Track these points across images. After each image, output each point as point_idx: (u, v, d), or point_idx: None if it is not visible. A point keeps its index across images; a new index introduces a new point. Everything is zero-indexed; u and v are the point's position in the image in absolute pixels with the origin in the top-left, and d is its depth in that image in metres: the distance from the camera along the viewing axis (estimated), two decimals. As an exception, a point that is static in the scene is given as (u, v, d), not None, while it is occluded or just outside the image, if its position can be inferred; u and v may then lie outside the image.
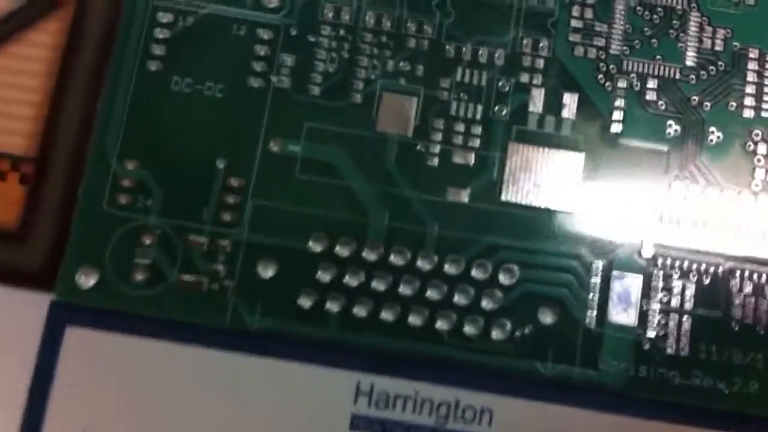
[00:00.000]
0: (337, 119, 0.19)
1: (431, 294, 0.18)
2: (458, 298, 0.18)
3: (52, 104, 0.19)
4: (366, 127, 0.19)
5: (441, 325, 0.18)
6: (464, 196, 0.18)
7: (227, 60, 0.19)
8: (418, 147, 0.18)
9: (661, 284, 0.18)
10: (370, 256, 0.18)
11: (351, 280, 0.18)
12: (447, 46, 0.19)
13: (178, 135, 0.18)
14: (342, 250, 0.18)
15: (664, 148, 0.19)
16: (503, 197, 0.18)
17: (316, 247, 0.18)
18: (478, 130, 0.19)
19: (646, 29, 0.19)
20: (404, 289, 0.18)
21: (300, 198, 0.18)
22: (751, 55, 0.19)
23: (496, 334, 0.18)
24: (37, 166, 0.19)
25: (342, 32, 0.19)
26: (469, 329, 0.18)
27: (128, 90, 0.19)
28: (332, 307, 0.18)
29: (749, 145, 0.19)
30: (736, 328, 0.18)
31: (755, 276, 0.18)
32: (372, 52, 0.19)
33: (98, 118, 0.19)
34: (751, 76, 0.19)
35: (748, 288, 0.18)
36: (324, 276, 0.18)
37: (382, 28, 0.19)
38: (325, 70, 0.19)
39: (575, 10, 0.19)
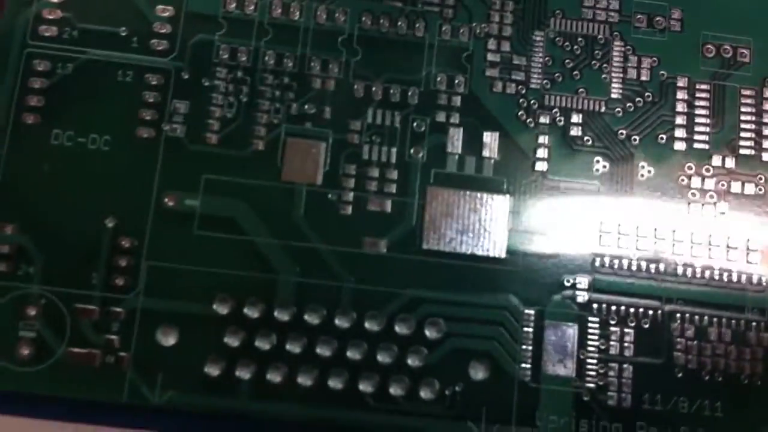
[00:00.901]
0: (238, 169, 0.24)
1: (351, 354, 0.23)
2: (381, 357, 0.23)
3: None
4: (270, 176, 0.24)
5: (364, 387, 0.23)
6: (382, 247, 0.24)
7: (113, 109, 0.25)
8: (330, 196, 0.24)
9: (598, 332, 0.24)
10: (282, 316, 0.24)
11: (262, 344, 0.23)
12: (356, 86, 0.25)
13: (60, 193, 0.24)
14: (250, 312, 0.24)
15: (594, 185, 0.25)
16: (424, 245, 0.24)
17: (221, 309, 0.23)
18: (393, 174, 0.25)
19: (567, 61, 0.26)
20: (322, 351, 0.23)
21: (200, 257, 0.24)
22: (680, 84, 0.26)
23: (424, 393, 0.23)
24: None
25: (240, 74, 0.25)
26: (394, 390, 0.23)
27: (2, 146, 0.24)
28: (243, 374, 0.23)
29: (682, 179, 0.25)
30: (680, 375, 0.24)
31: (696, 319, 0.24)
32: (274, 95, 0.25)
33: (-33, 176, 0.24)
34: (680, 106, 0.26)
35: (690, 332, 0.24)
36: (232, 341, 0.23)
37: (284, 68, 0.25)
38: (222, 115, 0.25)
39: (491, 44, 0.26)
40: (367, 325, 0.24)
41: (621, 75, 0.26)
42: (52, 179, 0.24)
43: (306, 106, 0.25)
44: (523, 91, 0.25)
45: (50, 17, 0.25)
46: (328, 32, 0.25)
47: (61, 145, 0.24)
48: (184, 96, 0.25)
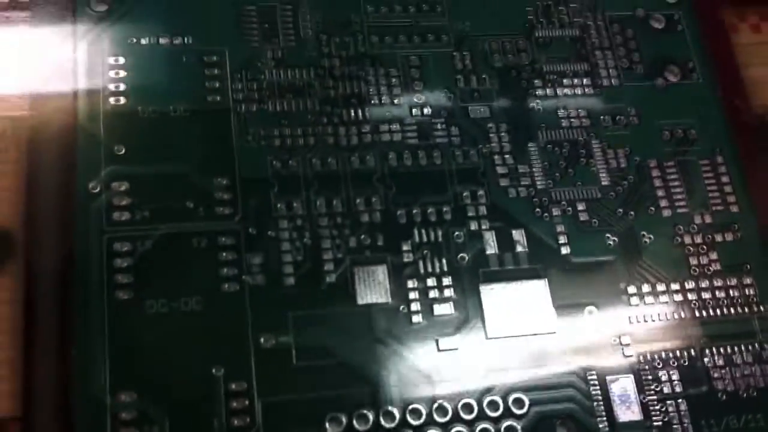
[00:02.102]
0: (318, 302, 0.26)
1: (459, 440, 0.25)
2: (484, 438, 0.25)
3: (26, 358, 0.24)
4: (347, 303, 0.26)
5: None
6: (456, 343, 0.26)
7: (196, 272, 0.26)
8: (401, 309, 0.26)
9: (650, 377, 0.27)
10: (388, 423, 0.25)
11: (381, 449, 0.25)
12: (398, 212, 0.28)
13: (167, 356, 0.25)
14: (360, 425, 0.25)
15: (611, 257, 0.28)
16: (489, 335, 0.27)
17: (335, 429, 0.25)
18: (448, 280, 0.27)
19: (560, 162, 0.29)
20: (434, 444, 0.25)
21: (304, 385, 0.25)
22: (652, 165, 0.30)
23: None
24: (23, 424, 0.24)
25: (299, 222, 0.27)
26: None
27: (103, 324, 0.25)
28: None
29: (677, 239, 0.29)
30: (723, 398, 0.27)
31: (722, 350, 0.27)
32: (332, 234, 0.27)
33: (78, 362, 0.25)
34: (657, 182, 0.29)
35: (720, 361, 0.27)
36: (352, 453, 0.25)
37: (334, 210, 0.27)
38: (293, 260, 0.27)
39: (497, 159, 0.29)
40: (462, 414, 0.25)
41: (605, 166, 0.30)
42: (156, 344, 0.25)
43: (362, 237, 0.27)
44: (533, 192, 0.29)
45: (121, 204, 0.26)
46: (363, 174, 0.28)
47: (157, 313, 0.25)
48: (256, 249, 0.27)
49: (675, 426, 0.26)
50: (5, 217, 0.26)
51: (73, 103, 0.27)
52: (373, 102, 0.29)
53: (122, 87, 0.28)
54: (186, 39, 0.29)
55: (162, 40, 0.29)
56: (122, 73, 0.28)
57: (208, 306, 0.26)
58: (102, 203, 0.26)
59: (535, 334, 0.27)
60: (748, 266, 0.29)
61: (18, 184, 0.27)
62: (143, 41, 0.29)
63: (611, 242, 0.29)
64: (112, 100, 0.28)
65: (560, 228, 0.28)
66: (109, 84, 0.28)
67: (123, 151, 0.27)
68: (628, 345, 0.27)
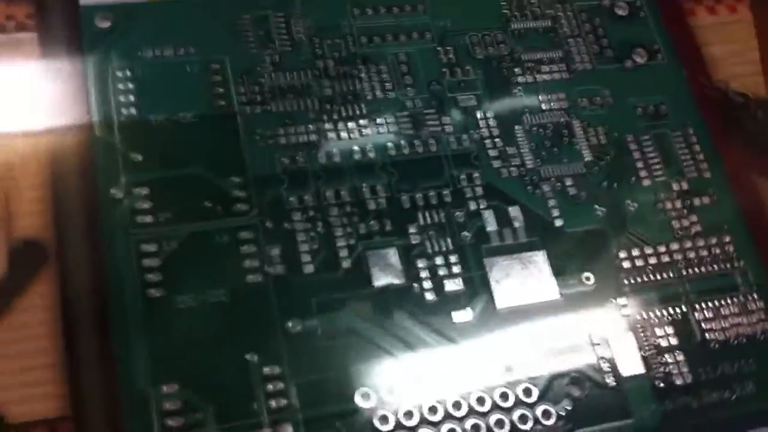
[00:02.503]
0: (337, 286, 0.27)
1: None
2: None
3: (69, 360, 0.25)
4: (364, 285, 0.28)
5: None
6: (468, 316, 0.28)
7: (221, 268, 0.27)
8: (414, 288, 0.28)
9: (648, 333, 0.28)
10: (414, 392, 0.26)
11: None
12: (402, 198, 0.29)
13: (202, 346, 0.26)
14: (389, 397, 0.26)
15: (600, 227, 0.30)
16: (498, 306, 0.28)
17: (365, 402, 0.26)
18: (455, 258, 0.28)
19: (546, 143, 0.31)
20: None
21: (333, 364, 0.26)
22: (629, 139, 0.32)
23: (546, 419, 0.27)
24: (74, 423, 0.25)
25: (311, 213, 0.28)
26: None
27: (139, 321, 0.26)
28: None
29: (658, 206, 0.31)
30: (716, 347, 0.29)
31: (709, 303, 0.29)
32: (342, 222, 0.28)
33: (119, 359, 0.25)
34: (636, 155, 0.31)
35: (710, 314, 0.29)
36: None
37: (343, 200, 0.29)
38: (310, 248, 0.28)
39: (488, 144, 0.30)
40: (482, 381, 0.27)
41: (587, 143, 0.31)
42: (191, 336, 0.26)
43: (372, 223, 0.29)
44: (524, 172, 0.30)
45: (144, 207, 0.27)
46: (366, 165, 0.29)
47: (188, 308, 0.26)
48: (275, 242, 0.28)
49: (675, 375, 0.28)
50: (36, 228, 0.27)
51: (87, 116, 0.28)
52: (368, 97, 0.31)
53: (132, 98, 0.29)
54: (188, 49, 0.30)
55: (166, 52, 0.30)
56: (131, 85, 0.29)
57: (235, 297, 0.27)
58: (126, 208, 0.27)
59: (539, 302, 0.28)
60: (725, 226, 0.31)
61: (44, 196, 0.27)
62: (148, 54, 0.30)
63: (600, 212, 0.30)
64: (124, 111, 0.29)
65: (552, 203, 0.30)
66: (120, 96, 0.29)
67: (140, 158, 0.28)
68: (624, 306, 0.29)
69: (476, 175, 0.30)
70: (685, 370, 0.28)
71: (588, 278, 0.29)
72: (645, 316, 0.29)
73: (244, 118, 0.29)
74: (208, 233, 0.28)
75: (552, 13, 0.33)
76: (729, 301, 0.30)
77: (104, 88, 0.29)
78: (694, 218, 0.31)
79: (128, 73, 0.29)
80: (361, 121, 0.30)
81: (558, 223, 0.30)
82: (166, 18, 0.31)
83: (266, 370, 0.26)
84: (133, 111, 0.29)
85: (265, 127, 0.29)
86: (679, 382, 0.28)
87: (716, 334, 0.29)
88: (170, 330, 0.26)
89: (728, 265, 0.30)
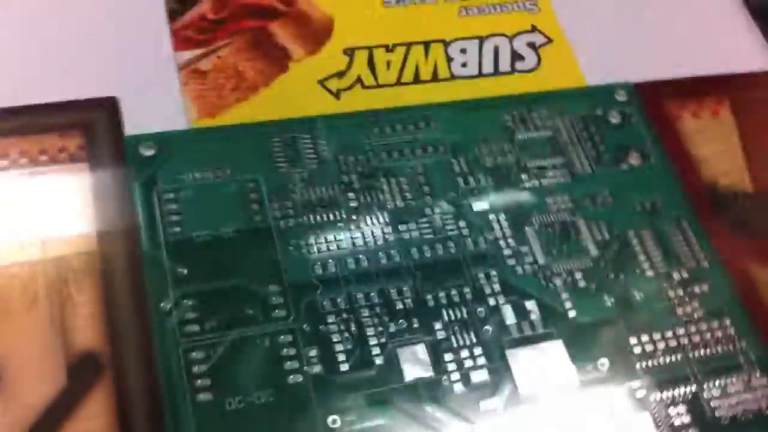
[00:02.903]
0: (373, 383, 0.29)
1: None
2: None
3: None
4: (397, 380, 0.29)
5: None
6: (494, 405, 0.29)
7: (263, 369, 0.29)
8: (444, 381, 0.30)
9: (663, 413, 0.30)
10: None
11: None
12: (427, 297, 0.31)
13: (251, 445, 0.28)
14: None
15: (611, 315, 0.32)
16: (521, 394, 0.30)
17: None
18: (479, 350, 0.30)
19: (555, 240, 0.33)
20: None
21: (373, 455, 0.28)
22: (630, 235, 0.34)
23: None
24: None
25: (345, 315, 0.30)
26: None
27: (190, 425, 0.28)
28: None
29: (662, 294, 0.33)
30: (726, 423, 0.30)
31: (716, 383, 0.31)
32: (374, 322, 0.30)
33: (173, 457, 0.27)
34: (638, 249, 0.34)
35: (717, 393, 0.31)
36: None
37: (373, 302, 0.31)
38: (344, 349, 0.30)
39: (501, 244, 0.33)
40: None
41: (592, 239, 0.34)
42: (240, 434, 0.28)
43: (400, 321, 0.31)
44: (537, 268, 0.33)
45: (191, 317, 0.29)
46: (392, 268, 0.32)
47: (236, 409, 0.28)
48: (312, 343, 0.30)
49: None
50: (92, 340, 0.29)
51: (136, 235, 0.31)
52: (389, 207, 0.33)
53: (177, 218, 0.31)
54: (225, 171, 0.33)
55: (206, 174, 0.32)
56: (175, 206, 0.31)
57: (279, 397, 0.29)
58: (174, 319, 0.29)
59: (559, 387, 0.30)
60: (725, 309, 0.33)
61: (97, 310, 0.29)
62: (190, 177, 0.32)
63: (609, 303, 0.32)
64: (170, 229, 0.31)
65: (564, 295, 0.32)
66: (166, 216, 0.31)
67: (186, 272, 0.30)
68: (639, 388, 0.31)
69: (493, 273, 0.32)
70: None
71: (603, 364, 0.31)
72: (658, 397, 0.31)
73: (279, 231, 0.32)
74: (250, 338, 0.29)
75: (551, 123, 0.36)
76: (734, 379, 0.31)
77: (151, 209, 0.31)
78: (695, 304, 0.33)
79: (172, 196, 0.32)
80: (386, 229, 0.32)
81: (571, 314, 0.32)
82: (204, 144, 0.33)
83: (314, 464, 0.28)
84: (177, 229, 0.31)
85: (298, 238, 0.32)
86: (692, 462, 0.30)
87: (725, 411, 0.31)
88: (221, 430, 0.28)
89: (731, 346, 0.32)
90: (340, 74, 0.37)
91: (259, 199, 0.32)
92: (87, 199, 0.32)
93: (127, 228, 0.31)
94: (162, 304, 0.30)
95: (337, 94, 0.36)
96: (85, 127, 0.33)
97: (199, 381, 0.28)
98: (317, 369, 0.29)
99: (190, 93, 0.35)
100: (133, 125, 0.34)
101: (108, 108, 0.34)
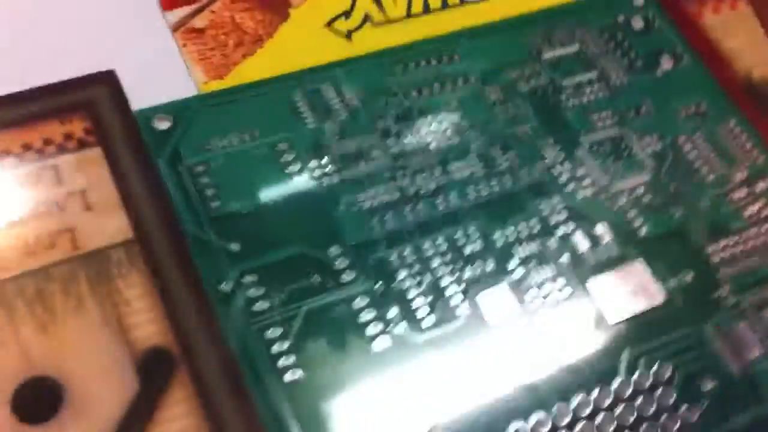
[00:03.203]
0: (458, 334, 0.27)
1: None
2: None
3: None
4: (482, 328, 0.27)
5: None
6: (583, 333, 0.28)
7: (346, 338, 0.26)
8: (530, 319, 0.28)
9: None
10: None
11: None
12: (495, 236, 0.29)
13: (353, 415, 0.25)
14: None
15: (681, 227, 0.30)
16: (610, 322, 0.28)
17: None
18: (562, 281, 0.28)
19: (608, 159, 0.31)
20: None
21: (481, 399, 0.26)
22: (681, 141, 0.32)
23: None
24: None
25: (416, 267, 0.28)
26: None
27: (283, 409, 0.25)
28: None
29: (727, 198, 0.31)
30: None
31: None
32: (448, 270, 0.28)
33: (272, 447, 0.25)
34: (693, 155, 0.32)
35: None
36: None
37: (441, 250, 0.28)
38: (425, 303, 0.27)
39: (556, 170, 0.31)
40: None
41: (644, 152, 0.32)
42: (338, 411, 0.25)
43: (474, 265, 0.28)
44: (597, 189, 0.31)
45: (257, 294, 0.27)
46: (452, 212, 0.29)
47: (326, 384, 0.26)
48: (389, 304, 0.27)
49: (787, 349, 0.29)
50: (156, 335, 0.26)
51: (174, 217, 0.28)
52: (432, 147, 0.31)
53: (213, 191, 0.28)
54: (253, 133, 0.30)
55: (233, 140, 0.29)
56: (209, 179, 0.28)
57: (369, 365, 0.26)
58: (239, 300, 0.26)
59: (649, 309, 0.29)
60: (791, 204, 0.32)
61: (152, 303, 0.26)
62: (216, 144, 0.29)
63: (678, 214, 0.31)
64: (209, 205, 0.28)
65: (632, 213, 0.30)
66: (201, 192, 0.28)
67: (238, 248, 0.27)
68: (726, 296, 0.29)
69: (556, 201, 0.30)
70: (796, 340, 0.29)
71: (687, 275, 0.29)
72: (747, 302, 0.29)
73: (325, 190, 0.29)
74: (326, 306, 0.27)
75: (577, 37, 0.34)
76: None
77: (183, 187, 0.28)
78: (761, 203, 0.32)
79: (202, 168, 0.29)
80: (435, 172, 0.30)
81: (642, 231, 0.30)
82: (221, 108, 0.30)
83: None
84: (217, 203, 0.28)
85: (347, 194, 0.29)
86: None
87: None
88: (316, 409, 0.25)
89: (804, 239, 0.31)
90: (347, 14, 0.34)
91: (295, 159, 0.29)
92: (109, 185, 0.28)
93: (162, 210, 0.28)
94: (221, 286, 0.27)
95: (348, 36, 0.33)
96: (86, 108, 0.30)
97: (282, 360, 0.26)
98: (402, 327, 0.27)
99: (191, 55, 0.32)
100: (137, 99, 0.30)
101: (107, 83, 0.30)
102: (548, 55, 0.34)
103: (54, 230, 0.27)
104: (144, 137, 0.29)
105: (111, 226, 0.28)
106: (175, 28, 0.32)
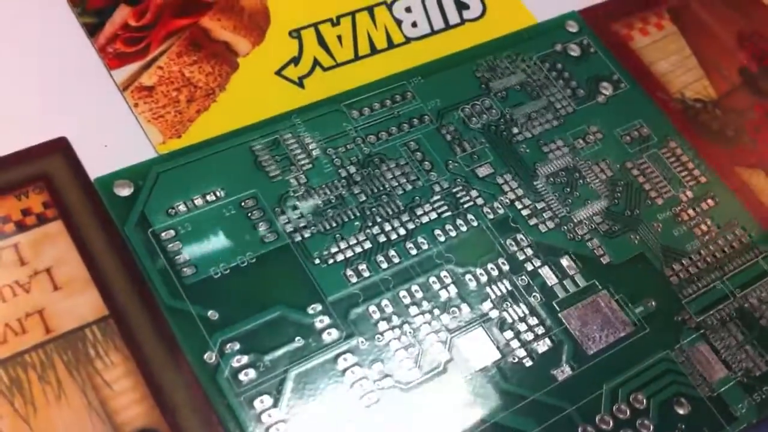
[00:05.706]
0: (442, 380, 0.26)
1: None
2: None
3: None
4: (463, 370, 0.26)
5: None
6: (567, 370, 0.27)
7: (338, 398, 0.25)
8: (513, 359, 0.27)
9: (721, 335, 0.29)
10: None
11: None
12: (467, 278, 0.28)
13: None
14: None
15: (638, 252, 0.30)
16: (589, 353, 0.28)
17: None
18: (534, 320, 0.28)
19: (565, 189, 0.31)
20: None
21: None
22: (629, 166, 0.32)
23: None
24: None
25: (394, 320, 0.27)
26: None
27: None
28: None
29: (677, 218, 0.31)
30: None
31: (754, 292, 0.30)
32: (426, 319, 0.27)
33: None
34: (641, 179, 0.32)
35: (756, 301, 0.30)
36: None
37: (417, 299, 0.27)
38: (407, 353, 0.26)
39: (518, 205, 0.30)
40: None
41: (597, 179, 0.31)
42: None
43: (451, 310, 0.27)
44: (558, 222, 0.30)
45: (241, 363, 0.25)
46: (423, 257, 0.28)
47: (321, 449, 0.24)
48: (374, 358, 0.26)
49: (753, 368, 0.29)
50: (143, 417, 0.24)
51: (147, 287, 0.26)
52: (399, 192, 0.29)
53: (185, 257, 0.26)
54: (217, 192, 0.28)
55: (197, 201, 0.28)
56: (179, 244, 0.27)
57: (361, 425, 0.25)
58: (224, 370, 0.25)
59: (622, 339, 0.28)
60: (736, 220, 0.32)
61: (135, 382, 0.24)
62: (182, 208, 0.27)
63: (635, 240, 0.30)
64: (183, 272, 0.26)
65: (591, 244, 0.30)
66: (173, 259, 0.26)
67: (216, 316, 0.26)
68: (689, 317, 0.29)
69: (520, 237, 0.29)
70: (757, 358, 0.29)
71: (650, 302, 0.29)
72: (710, 321, 0.29)
73: (297, 246, 0.28)
74: (312, 369, 0.26)
75: (522, 66, 0.33)
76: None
77: (153, 254, 0.26)
78: (708, 221, 0.32)
79: (172, 234, 0.27)
80: (403, 217, 0.29)
81: (605, 260, 0.30)
82: (182, 168, 0.28)
83: (418, 485, 0.24)
84: (191, 271, 0.26)
85: (319, 247, 0.28)
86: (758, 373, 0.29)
87: (769, 317, 0.30)
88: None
89: (752, 253, 0.31)
90: (295, 60, 0.32)
91: (264, 216, 0.28)
92: (76, 260, 0.26)
93: (135, 281, 0.26)
94: (204, 356, 0.25)
95: (300, 83, 0.32)
96: (42, 180, 0.27)
97: (274, 429, 0.24)
98: (389, 382, 0.26)
99: (144, 115, 0.30)
100: (94, 166, 0.28)
101: (61, 150, 0.28)
102: (497, 85, 0.33)
103: (22, 314, 0.25)
104: (106, 206, 0.27)
105: (82, 303, 0.26)
106: (125, 87, 0.30)
